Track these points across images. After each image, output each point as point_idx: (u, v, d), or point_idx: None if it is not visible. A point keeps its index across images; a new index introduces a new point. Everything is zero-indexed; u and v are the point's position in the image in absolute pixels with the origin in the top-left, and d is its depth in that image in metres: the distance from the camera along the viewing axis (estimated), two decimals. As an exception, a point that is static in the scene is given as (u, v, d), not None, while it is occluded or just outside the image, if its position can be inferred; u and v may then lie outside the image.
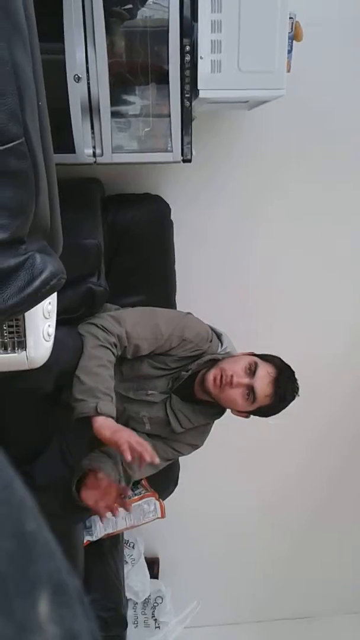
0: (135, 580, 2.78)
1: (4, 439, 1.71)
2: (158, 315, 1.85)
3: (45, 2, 1.54)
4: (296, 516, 3.25)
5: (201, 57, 1.69)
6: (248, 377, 1.70)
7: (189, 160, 1.85)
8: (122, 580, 2.57)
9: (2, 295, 0.88)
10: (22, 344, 1.24)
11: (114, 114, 1.78)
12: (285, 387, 1.73)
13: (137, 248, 2.19)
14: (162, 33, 1.69)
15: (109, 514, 1.58)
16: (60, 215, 1.08)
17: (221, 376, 1.71)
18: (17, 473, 0.37)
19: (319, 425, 2.96)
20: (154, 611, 2.89)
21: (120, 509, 1.57)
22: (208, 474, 2.82)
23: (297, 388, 1.78)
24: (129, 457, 1.43)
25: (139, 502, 2.45)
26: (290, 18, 1.73)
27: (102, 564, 2.44)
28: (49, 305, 1.27)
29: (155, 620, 2.87)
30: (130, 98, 1.83)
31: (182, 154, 1.83)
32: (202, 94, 1.73)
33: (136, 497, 2.43)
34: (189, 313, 1.94)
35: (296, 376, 1.78)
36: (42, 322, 1.26)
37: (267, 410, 1.76)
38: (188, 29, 1.68)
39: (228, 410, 1.86)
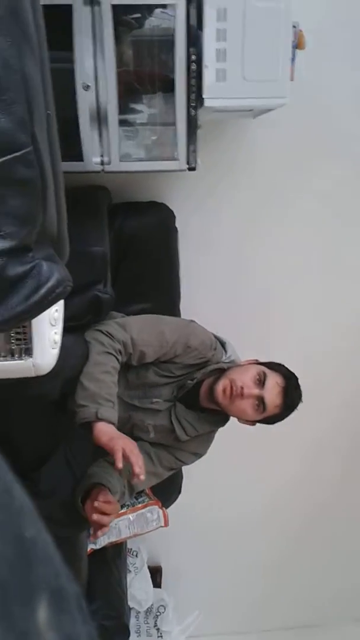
0: (138, 589, 2.77)
1: (10, 446, 1.72)
2: (163, 322, 1.86)
3: (56, 11, 1.55)
4: (299, 525, 3.24)
5: (206, 66, 1.70)
6: (258, 387, 1.71)
7: (194, 169, 1.85)
8: (125, 588, 2.56)
9: (9, 302, 0.88)
10: (28, 351, 1.25)
11: (122, 123, 1.79)
12: (293, 396, 1.75)
13: (142, 255, 2.19)
14: (168, 42, 1.70)
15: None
16: (68, 222, 1.08)
17: (231, 387, 1.71)
18: (17, 478, 0.37)
19: (321, 430, 2.95)
20: (156, 620, 2.88)
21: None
22: (211, 483, 2.81)
23: (301, 395, 1.79)
24: (119, 465, 1.45)
25: (143, 510, 2.44)
26: (294, 27, 1.73)
27: (105, 572, 2.43)
28: (56, 312, 1.28)
29: (158, 629, 2.86)
30: (138, 107, 1.84)
31: (187, 162, 1.84)
32: (207, 103, 1.73)
33: (139, 505, 2.43)
34: (192, 321, 1.94)
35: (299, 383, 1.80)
36: (49, 329, 1.26)
37: (275, 418, 1.77)
38: (194, 38, 1.69)
39: (231, 420, 1.86)
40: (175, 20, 1.66)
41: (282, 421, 1.80)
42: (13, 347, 1.23)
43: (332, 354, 2.78)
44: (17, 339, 1.23)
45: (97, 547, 2.36)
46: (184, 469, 2.27)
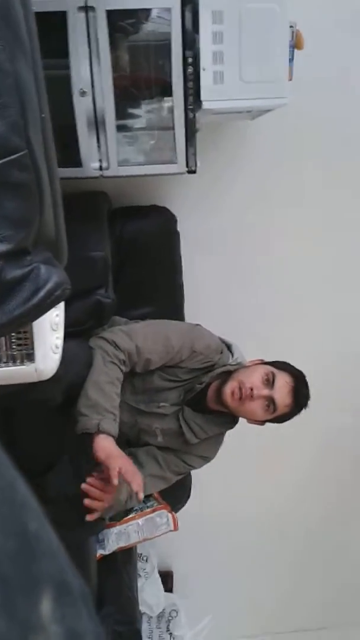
0: (150, 594, 2.76)
1: (15, 451, 1.71)
2: (168, 327, 1.86)
3: (50, 18, 1.56)
4: (310, 527, 3.22)
5: (203, 69, 1.70)
6: (267, 388, 1.71)
7: (194, 172, 1.86)
8: (136, 593, 2.56)
9: (8, 306, 0.88)
10: (30, 356, 1.25)
11: (120, 128, 1.80)
12: (303, 394, 1.76)
13: (144, 259, 2.19)
14: (165, 46, 1.71)
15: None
16: (68, 228, 1.09)
17: (240, 389, 1.71)
18: (20, 474, 0.37)
19: (333, 431, 2.94)
20: (168, 625, 2.87)
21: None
22: (221, 486, 2.80)
23: (310, 393, 1.79)
24: (115, 482, 1.49)
25: (151, 514, 2.43)
26: (291, 27, 1.74)
27: (115, 577, 2.43)
28: (57, 317, 1.28)
29: (170, 634, 2.84)
30: (136, 111, 1.84)
31: (187, 165, 1.84)
32: (205, 105, 1.74)
33: (148, 509, 2.42)
34: (198, 324, 1.94)
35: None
36: (50, 334, 1.26)
37: (284, 417, 1.77)
38: (190, 41, 1.69)
39: (241, 423, 1.86)
40: (171, 24, 1.67)
41: (292, 421, 1.80)
42: (15, 353, 1.24)
43: (338, 356, 2.77)
44: (19, 344, 1.24)
45: (107, 552, 2.36)
46: (193, 472, 2.27)
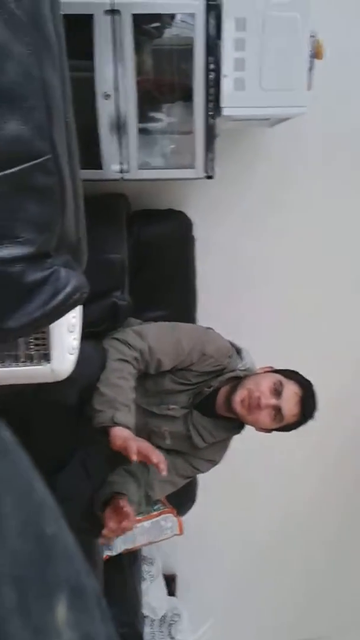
0: (153, 597, 2.77)
1: (28, 451, 1.72)
2: (180, 330, 1.86)
3: (77, 21, 1.57)
4: (316, 533, 3.21)
5: (225, 75, 1.70)
6: (275, 397, 1.71)
7: (212, 177, 1.86)
8: (140, 596, 2.56)
9: (28, 308, 0.89)
10: (46, 357, 1.26)
11: (141, 131, 1.80)
12: (310, 405, 1.76)
13: (160, 263, 2.20)
14: (187, 51, 1.71)
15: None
16: (87, 230, 1.09)
17: (249, 398, 1.71)
18: (39, 476, 0.37)
19: (343, 439, 2.93)
20: (170, 628, 2.86)
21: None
22: (226, 490, 2.79)
23: (317, 403, 1.79)
24: (134, 458, 1.45)
25: (157, 518, 2.44)
26: (312, 36, 1.74)
27: (120, 579, 2.43)
28: (74, 319, 1.29)
29: (172, 637, 2.84)
30: (157, 115, 1.85)
31: (205, 171, 1.84)
32: (225, 112, 1.74)
33: (155, 513, 2.43)
34: (209, 328, 1.94)
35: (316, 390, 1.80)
36: (67, 335, 1.27)
37: (291, 427, 1.77)
38: (213, 47, 1.70)
39: (249, 429, 1.86)
40: (194, 29, 1.67)
41: (309, 424, 1.79)
42: (32, 353, 1.25)
43: (351, 361, 2.76)
44: (36, 345, 1.25)
45: (114, 553, 2.36)
46: (199, 476, 2.27)
